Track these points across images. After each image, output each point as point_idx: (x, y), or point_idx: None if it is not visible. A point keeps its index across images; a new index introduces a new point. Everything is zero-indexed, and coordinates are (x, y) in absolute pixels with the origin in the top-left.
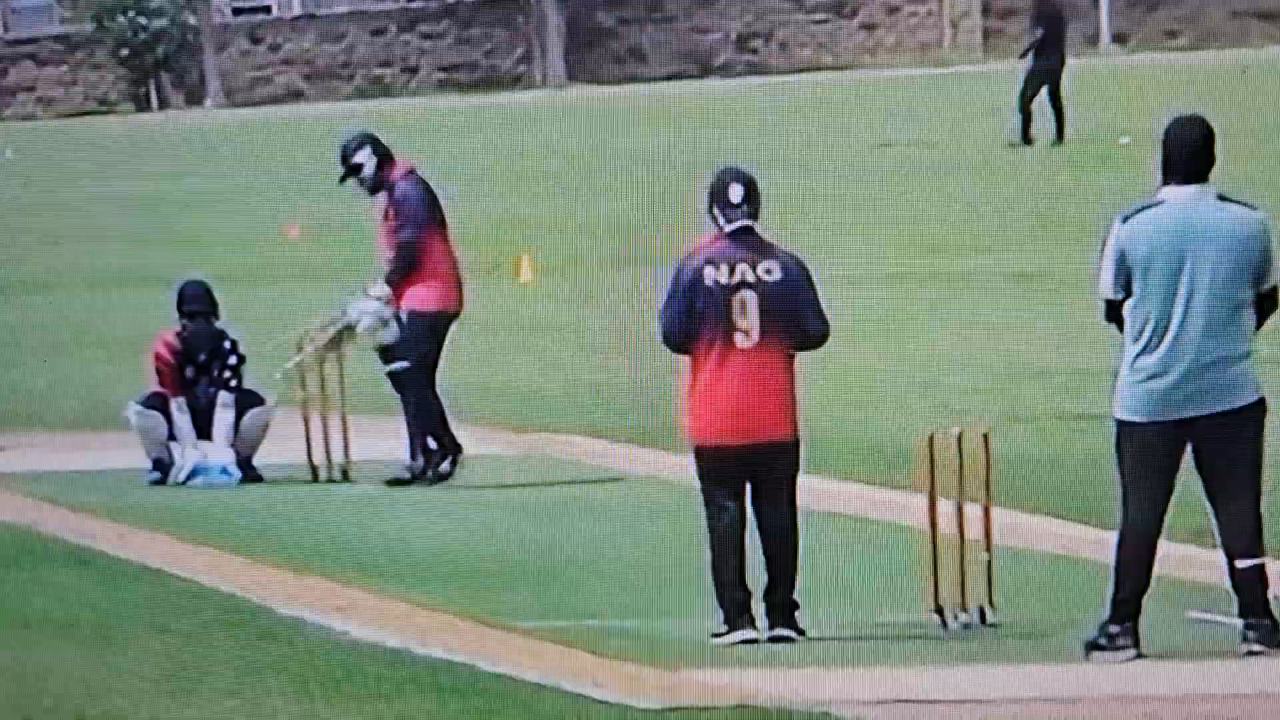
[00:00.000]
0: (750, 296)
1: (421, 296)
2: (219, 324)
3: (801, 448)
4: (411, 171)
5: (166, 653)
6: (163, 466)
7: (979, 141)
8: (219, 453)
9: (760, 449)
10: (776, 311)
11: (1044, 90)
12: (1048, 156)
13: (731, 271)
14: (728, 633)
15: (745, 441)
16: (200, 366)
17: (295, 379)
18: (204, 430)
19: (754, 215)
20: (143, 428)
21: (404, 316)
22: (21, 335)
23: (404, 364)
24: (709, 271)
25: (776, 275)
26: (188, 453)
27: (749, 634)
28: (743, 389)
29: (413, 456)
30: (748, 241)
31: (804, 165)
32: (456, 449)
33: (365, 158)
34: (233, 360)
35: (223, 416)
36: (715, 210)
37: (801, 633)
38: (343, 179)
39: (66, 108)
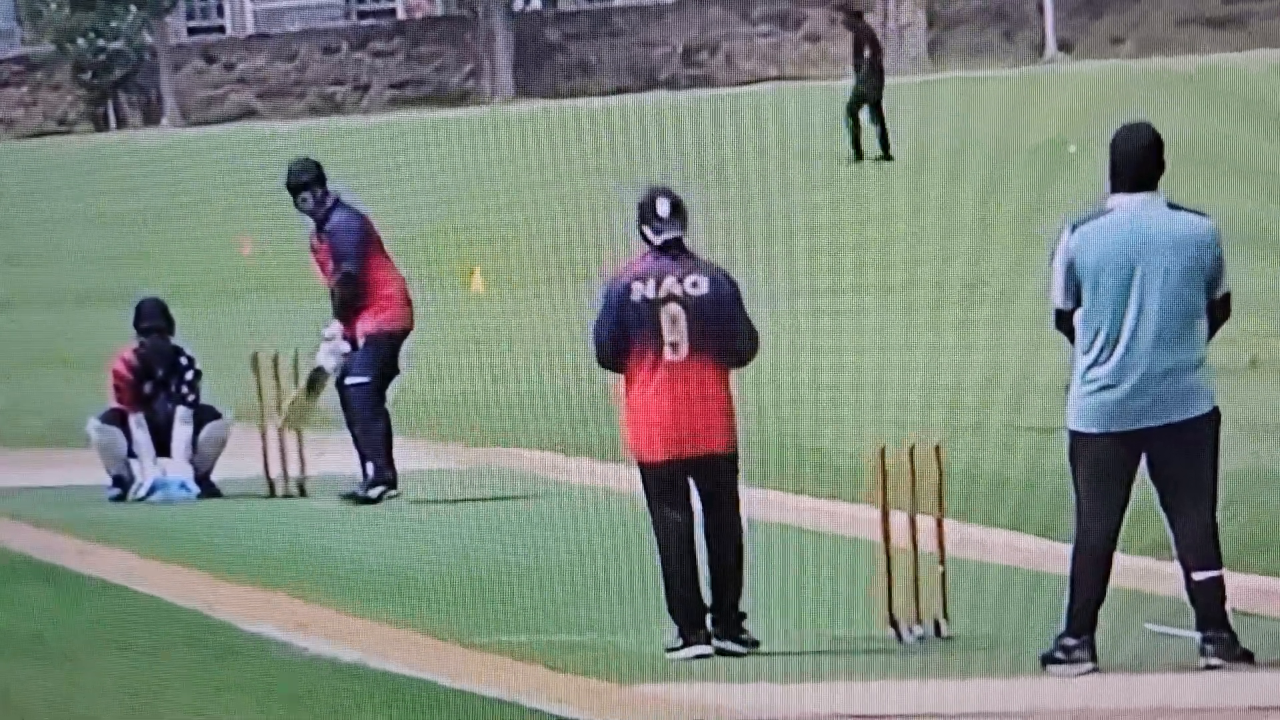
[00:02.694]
0: (678, 310)
1: (374, 321)
2: (175, 340)
3: (742, 459)
4: (338, 201)
5: (128, 669)
6: (122, 483)
7: (925, 150)
8: (178, 468)
9: (699, 461)
10: (704, 325)
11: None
12: (995, 165)
13: (658, 286)
14: (682, 647)
15: (683, 455)
16: (158, 382)
17: (256, 398)
18: (163, 446)
19: (682, 229)
20: (102, 444)
21: (360, 340)
22: None
23: (360, 379)
24: (636, 287)
25: (703, 289)
26: (147, 469)
27: (703, 649)
28: (676, 403)
29: (364, 474)
30: (676, 256)
31: (751, 176)
32: (392, 483)
33: (314, 185)
34: (189, 375)
35: (181, 432)
36: (644, 227)
37: (752, 644)
38: (313, 208)
39: (26, 128)
